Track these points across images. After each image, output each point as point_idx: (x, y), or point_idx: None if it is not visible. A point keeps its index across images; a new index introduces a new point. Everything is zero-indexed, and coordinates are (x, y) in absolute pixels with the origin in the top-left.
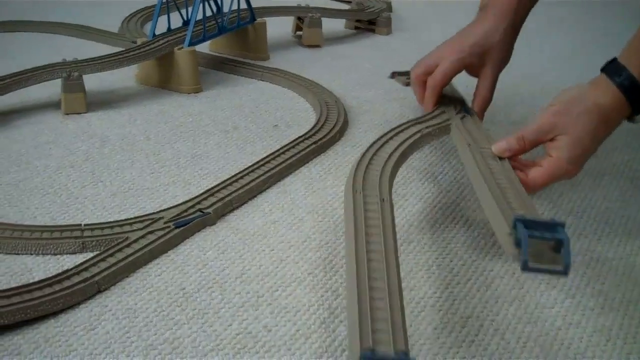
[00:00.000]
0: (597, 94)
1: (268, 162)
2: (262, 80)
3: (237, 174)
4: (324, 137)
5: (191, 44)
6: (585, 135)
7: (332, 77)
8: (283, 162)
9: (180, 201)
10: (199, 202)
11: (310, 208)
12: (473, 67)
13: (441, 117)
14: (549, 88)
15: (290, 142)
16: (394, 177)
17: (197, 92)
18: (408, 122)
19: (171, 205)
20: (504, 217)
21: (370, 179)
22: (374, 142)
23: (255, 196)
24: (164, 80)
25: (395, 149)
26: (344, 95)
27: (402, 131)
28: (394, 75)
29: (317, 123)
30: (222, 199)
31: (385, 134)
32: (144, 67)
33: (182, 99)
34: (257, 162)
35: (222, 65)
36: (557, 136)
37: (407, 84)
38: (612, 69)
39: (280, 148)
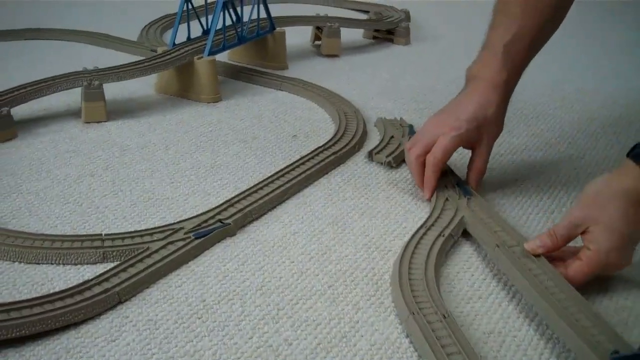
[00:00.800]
0: (623, 179)
1: (287, 172)
2: (281, 90)
3: (257, 184)
4: (343, 147)
5: (211, 53)
6: (617, 222)
7: (350, 87)
8: (302, 172)
9: (200, 211)
10: (218, 213)
11: (330, 219)
12: (470, 141)
13: (449, 209)
14: (570, 99)
15: (310, 153)
16: (439, 289)
17: (216, 102)
18: (421, 227)
19: (191, 216)
20: (594, 352)
21: (420, 295)
22: (401, 260)
23: (274, 207)
24: (184, 90)
25: (427, 260)
26: (363, 105)
27: (421, 241)
28: (370, 155)
29: (336, 134)
30: (242, 209)
31: (406, 247)
32: (164, 76)
33: (201, 108)
34: (277, 172)
35: (241, 75)
36: (589, 228)
37: (389, 163)
38: (637, 153)
39: (300, 159)
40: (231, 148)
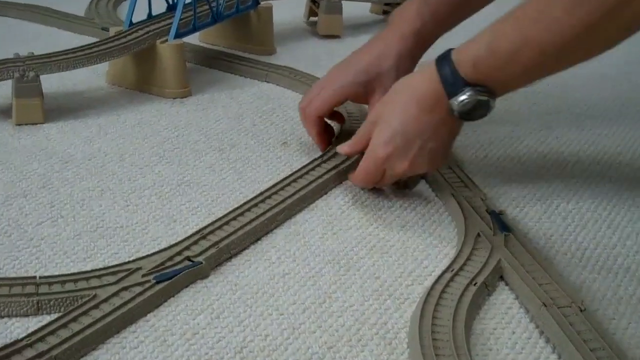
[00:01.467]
0: (417, 77)
1: (275, 193)
2: (267, 82)
3: (236, 209)
4: (347, 159)
5: (178, 35)
6: (394, 117)
7: None
8: (294, 193)
9: (164, 246)
10: (187, 248)
11: (330, 256)
12: (358, 96)
13: (482, 249)
14: (594, 110)
15: (304, 167)
16: (470, 352)
17: (184, 97)
18: (446, 271)
19: (152, 252)
20: None
21: None
22: (421, 313)
23: (259, 239)
24: (143, 82)
25: (456, 314)
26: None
27: (447, 289)
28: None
29: (337, 139)
30: (217, 243)
31: (428, 296)
32: (118, 64)
33: (165, 106)
34: (262, 193)
35: (217, 62)
36: (377, 123)
37: (404, 184)
38: (443, 56)
39: (291, 174)
40: (204, 159)
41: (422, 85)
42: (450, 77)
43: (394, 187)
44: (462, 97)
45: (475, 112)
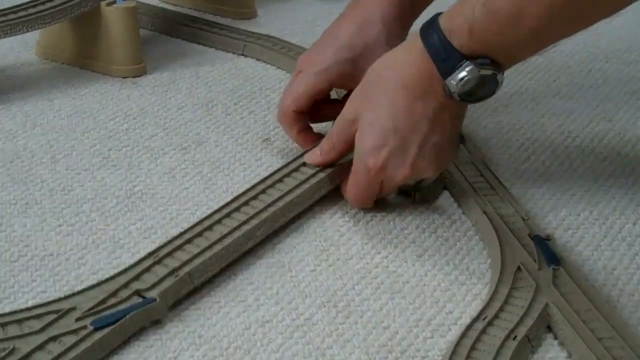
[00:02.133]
0: (404, 57)
1: (254, 198)
2: (245, 56)
3: (202, 220)
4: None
5: None
6: (382, 112)
7: None
8: (278, 198)
9: (105, 276)
10: (136, 277)
11: (324, 297)
12: (344, 78)
13: (524, 289)
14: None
15: (289, 168)
16: None
17: (137, 76)
18: (477, 319)
19: (89, 285)
20: None
21: None
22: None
23: (230, 267)
24: (84, 56)
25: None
26: None
27: (477, 344)
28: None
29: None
30: (176, 270)
31: (453, 355)
32: (52, 33)
33: (112, 88)
34: (236, 198)
35: (180, 29)
36: (359, 121)
37: (422, 197)
38: (427, 25)
39: (274, 172)
40: (161, 162)
41: (407, 64)
42: (442, 51)
43: (403, 196)
44: (461, 75)
45: (479, 90)
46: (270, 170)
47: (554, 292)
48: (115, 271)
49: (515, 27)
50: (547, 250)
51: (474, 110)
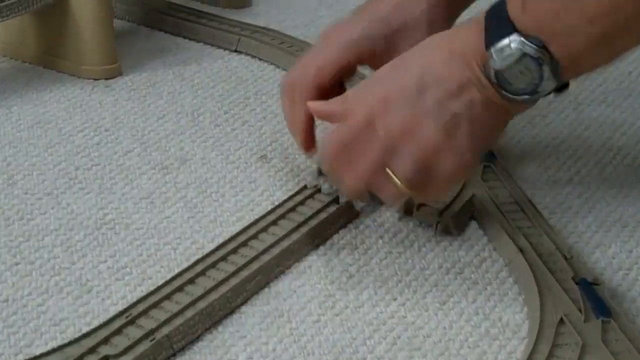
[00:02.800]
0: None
1: (244, 244)
2: (238, 52)
3: (184, 271)
4: None
5: None
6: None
7: None
8: (275, 243)
9: (70, 335)
10: (104, 341)
11: (330, 355)
12: (374, 55)
13: (567, 347)
14: None
15: (290, 198)
16: None
17: (111, 78)
18: None
19: (49, 348)
20: None
21: None
22: None
23: (219, 323)
24: (49, 53)
25: None
26: None
27: None
28: (407, 206)
29: None
30: (152, 332)
31: None
32: (12, 28)
33: (82, 92)
34: (223, 244)
35: (163, 20)
36: None
37: (445, 228)
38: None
39: (271, 211)
40: (137, 184)
41: (452, 40)
42: (495, 19)
43: (401, 214)
44: (503, 42)
45: (519, 75)
46: (266, 195)
47: (604, 351)
48: (82, 325)
49: (574, 11)
50: (594, 298)
51: None
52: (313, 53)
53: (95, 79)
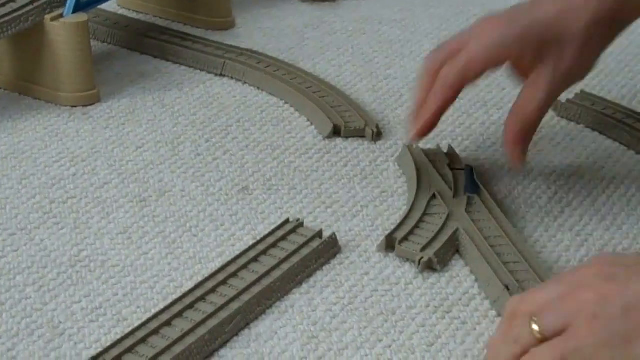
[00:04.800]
0: None
1: (223, 282)
2: (223, 76)
3: (159, 313)
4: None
5: (79, 7)
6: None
7: (360, 72)
8: (256, 281)
9: None
10: None
11: None
12: (522, 60)
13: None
14: None
15: (273, 234)
16: None
17: (89, 104)
18: None
19: None
20: None
21: None
22: None
23: None
24: (25, 80)
25: None
26: (381, 109)
27: None
28: (389, 241)
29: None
30: None
31: None
32: None
33: (59, 120)
34: (201, 283)
35: (144, 42)
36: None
37: (427, 264)
38: None
39: (251, 247)
40: (114, 218)
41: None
42: None
43: (382, 249)
44: None
45: None
46: (248, 228)
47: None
48: None
49: None
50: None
51: (495, 149)
52: (464, 40)
53: (72, 106)
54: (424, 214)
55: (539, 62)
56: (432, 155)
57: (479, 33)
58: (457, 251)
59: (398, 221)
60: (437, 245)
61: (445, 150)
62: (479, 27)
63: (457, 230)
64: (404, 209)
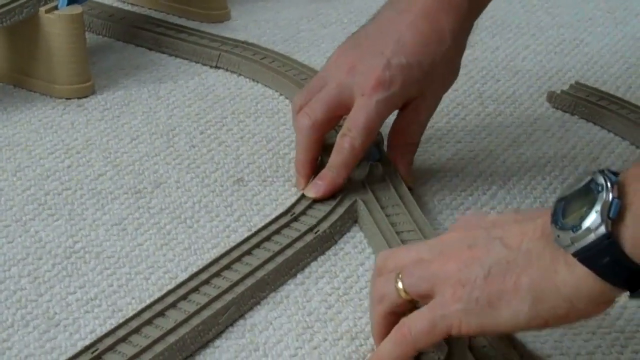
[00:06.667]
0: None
1: (217, 274)
2: (218, 67)
3: (153, 304)
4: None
5: None
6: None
7: None
8: (249, 273)
9: None
10: None
11: None
12: (406, 101)
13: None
14: None
15: (267, 228)
16: None
17: (84, 96)
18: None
19: None
20: None
21: None
22: None
23: (191, 358)
24: (20, 72)
25: None
26: None
27: None
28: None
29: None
30: None
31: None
32: None
33: (53, 112)
34: (195, 274)
35: (138, 35)
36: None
37: None
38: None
39: (245, 240)
40: (110, 209)
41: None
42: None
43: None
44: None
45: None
46: (243, 220)
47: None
48: (49, 357)
49: None
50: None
51: (489, 140)
52: (341, 93)
53: (67, 98)
54: None
55: (418, 94)
56: None
57: (359, 82)
58: (356, 221)
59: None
60: (335, 217)
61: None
62: (346, 69)
63: (355, 201)
64: None
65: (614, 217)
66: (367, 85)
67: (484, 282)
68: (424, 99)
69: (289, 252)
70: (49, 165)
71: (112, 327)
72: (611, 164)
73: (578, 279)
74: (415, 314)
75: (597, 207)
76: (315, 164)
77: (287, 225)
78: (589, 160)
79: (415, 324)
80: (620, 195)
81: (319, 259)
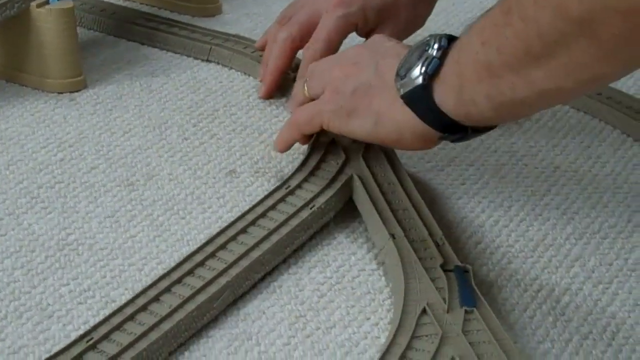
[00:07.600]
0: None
1: (211, 255)
2: (209, 61)
3: (147, 289)
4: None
5: None
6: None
7: None
8: (244, 254)
9: (29, 355)
10: None
11: None
12: (363, 28)
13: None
14: None
15: (255, 213)
16: None
17: (76, 91)
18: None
19: None
20: None
21: None
22: None
23: (185, 347)
24: (11, 67)
25: None
26: None
27: None
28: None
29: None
30: (113, 359)
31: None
32: None
33: (45, 106)
34: (186, 265)
35: (130, 29)
36: None
37: None
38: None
39: (240, 217)
40: (102, 202)
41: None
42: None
43: None
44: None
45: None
46: (236, 211)
47: (463, 341)
48: (42, 348)
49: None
50: (463, 286)
51: None
52: (310, 15)
53: (59, 93)
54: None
55: (378, 23)
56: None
57: (323, 4)
58: (351, 198)
59: None
60: (331, 191)
61: None
62: (318, 1)
63: (351, 176)
64: None
65: (431, 72)
66: (330, 3)
67: (350, 95)
68: (384, 30)
69: (284, 231)
70: (41, 159)
71: (114, 309)
72: (602, 153)
73: (405, 116)
74: (303, 107)
75: (421, 62)
76: (280, 77)
77: (282, 199)
78: (581, 149)
79: (301, 114)
80: (442, 57)
81: (312, 249)
